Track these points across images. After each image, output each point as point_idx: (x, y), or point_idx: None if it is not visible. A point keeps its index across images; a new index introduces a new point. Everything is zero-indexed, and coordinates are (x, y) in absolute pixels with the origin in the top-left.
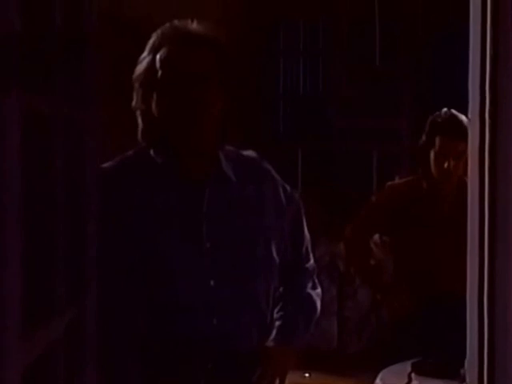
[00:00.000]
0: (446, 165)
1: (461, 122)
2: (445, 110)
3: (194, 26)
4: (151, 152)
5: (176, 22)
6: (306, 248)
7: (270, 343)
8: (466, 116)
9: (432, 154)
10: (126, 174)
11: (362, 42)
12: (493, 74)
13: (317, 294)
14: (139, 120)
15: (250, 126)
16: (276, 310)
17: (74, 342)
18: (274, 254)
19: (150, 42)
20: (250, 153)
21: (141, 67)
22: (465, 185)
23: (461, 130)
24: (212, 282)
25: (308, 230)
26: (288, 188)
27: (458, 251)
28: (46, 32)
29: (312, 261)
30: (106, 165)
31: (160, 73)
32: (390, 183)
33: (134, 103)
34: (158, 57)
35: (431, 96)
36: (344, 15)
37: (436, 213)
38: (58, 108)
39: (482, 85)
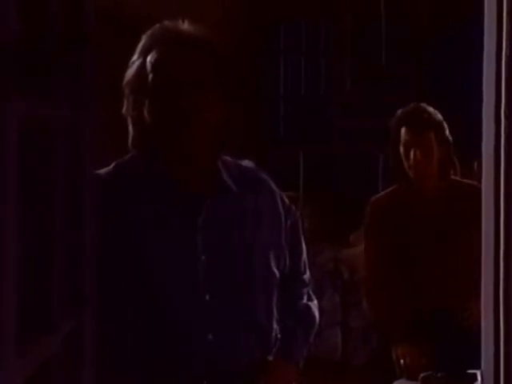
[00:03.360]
0: (411, 154)
1: (423, 111)
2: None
3: (185, 26)
4: (145, 159)
5: (166, 22)
6: (304, 261)
7: (270, 356)
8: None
9: (401, 150)
10: (122, 182)
11: (364, 43)
12: (509, 75)
13: (314, 305)
14: (130, 127)
15: (251, 128)
16: (275, 323)
17: (73, 354)
18: (273, 267)
19: (140, 44)
20: (247, 163)
21: (131, 71)
22: (444, 189)
23: (422, 120)
24: (207, 297)
25: (311, 234)
26: (286, 200)
27: (452, 254)
28: (45, 32)
29: (308, 273)
30: (101, 171)
31: (151, 77)
32: (372, 198)
33: (124, 110)
34: (148, 59)
35: (432, 97)
36: (345, 15)
37: (421, 219)
38: (57, 108)
39: (498, 86)
